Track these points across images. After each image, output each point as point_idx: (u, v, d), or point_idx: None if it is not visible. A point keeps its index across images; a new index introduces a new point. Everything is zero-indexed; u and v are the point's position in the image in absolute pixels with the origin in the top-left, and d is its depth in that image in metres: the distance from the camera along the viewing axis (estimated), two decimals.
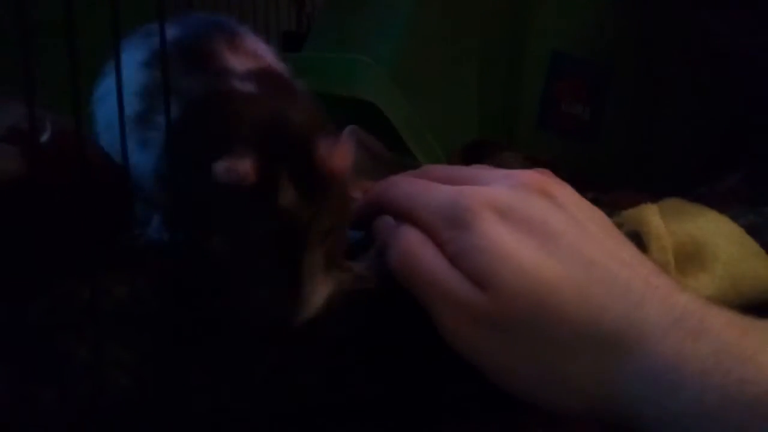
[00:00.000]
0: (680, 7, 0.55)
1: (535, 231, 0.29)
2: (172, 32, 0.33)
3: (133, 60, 0.34)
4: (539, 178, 0.32)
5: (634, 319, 0.27)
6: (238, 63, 0.33)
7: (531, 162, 0.48)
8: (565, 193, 0.31)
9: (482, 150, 0.50)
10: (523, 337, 0.28)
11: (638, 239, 0.40)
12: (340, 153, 0.30)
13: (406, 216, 0.32)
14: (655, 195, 0.45)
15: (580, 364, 0.28)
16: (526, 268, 0.28)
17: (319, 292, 0.30)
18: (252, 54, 0.34)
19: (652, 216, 0.41)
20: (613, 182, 0.51)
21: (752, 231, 0.42)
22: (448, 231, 0.30)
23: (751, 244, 0.42)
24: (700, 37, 0.55)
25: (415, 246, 0.30)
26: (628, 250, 0.30)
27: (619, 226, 0.35)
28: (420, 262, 0.30)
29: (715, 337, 0.26)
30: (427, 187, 0.32)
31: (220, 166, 0.27)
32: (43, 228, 0.27)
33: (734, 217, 0.43)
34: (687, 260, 0.41)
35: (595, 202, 0.34)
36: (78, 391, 0.29)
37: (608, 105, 0.56)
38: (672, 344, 0.26)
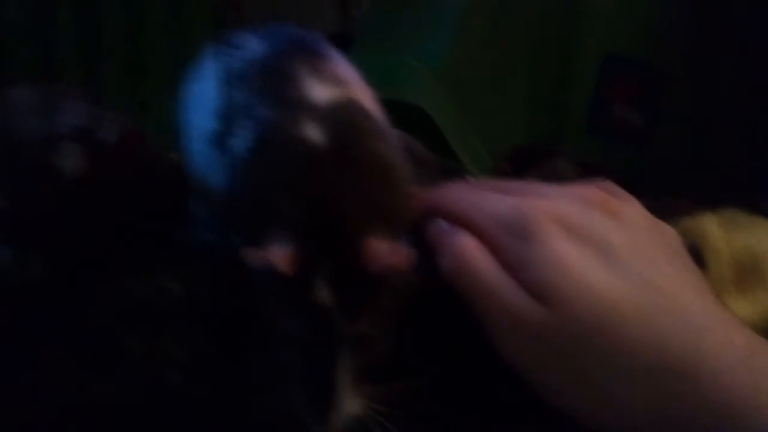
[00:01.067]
0: (738, 7, 0.53)
1: (600, 250, 0.28)
2: (256, 48, 0.32)
3: (214, 75, 0.33)
4: (604, 195, 0.31)
5: (700, 351, 0.27)
6: (318, 92, 0.30)
7: (582, 168, 0.46)
8: (632, 211, 0.31)
9: (531, 155, 0.49)
10: (578, 355, 0.28)
11: (695, 251, 0.39)
12: (392, 258, 0.27)
13: (462, 222, 0.31)
14: (710, 203, 0.43)
15: (636, 388, 0.27)
16: (589, 285, 0.28)
17: (343, 410, 0.27)
18: (336, 80, 0.32)
19: (711, 227, 0.39)
20: (664, 188, 0.50)
21: None
22: (508, 240, 0.29)
23: None
24: (759, 37, 0.52)
25: (470, 251, 0.30)
26: (693, 277, 0.30)
27: None
28: (476, 267, 0.29)
29: None
30: (486, 196, 0.32)
31: (254, 253, 0.26)
32: (106, 224, 0.28)
33: None
34: (745, 274, 0.40)
35: (648, 209, 0.33)
36: (132, 385, 0.30)
37: (662, 109, 0.55)
38: (740, 378, 0.27)
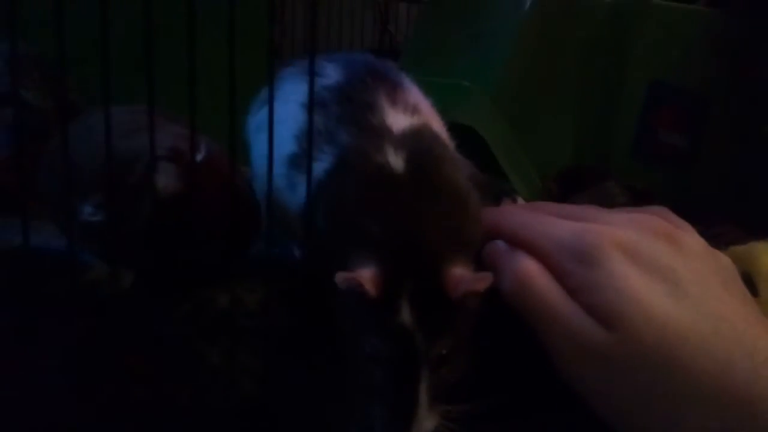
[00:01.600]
0: None
1: (664, 277, 0.29)
2: (333, 75, 0.34)
3: (294, 99, 0.34)
4: (665, 223, 0.32)
5: (759, 378, 0.28)
6: (396, 119, 0.32)
7: (630, 191, 0.47)
8: (691, 240, 0.32)
9: (579, 176, 0.50)
10: (642, 381, 0.28)
11: (747, 278, 0.40)
12: (473, 285, 0.28)
13: (523, 244, 0.32)
14: (755, 229, 0.44)
15: (698, 414, 0.28)
16: (656, 313, 0.28)
17: (422, 427, 0.27)
18: (411, 108, 0.33)
19: (762, 255, 0.40)
20: (708, 213, 0.50)
21: None
22: (573, 265, 0.30)
23: None
24: None
25: (533, 272, 0.31)
26: (751, 306, 0.31)
27: None
28: (538, 289, 0.30)
29: None
30: (547, 219, 0.32)
31: (341, 276, 0.26)
32: (193, 240, 0.29)
33: None
34: None
35: (702, 236, 0.34)
36: (210, 393, 0.31)
37: (707, 134, 0.55)
38: None
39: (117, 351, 0.29)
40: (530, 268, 0.31)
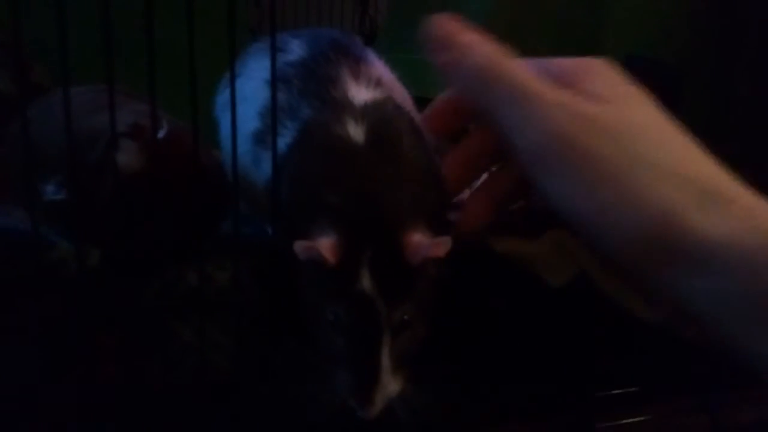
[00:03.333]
0: (757, 7, 0.54)
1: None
2: (297, 50, 0.34)
3: (259, 76, 0.34)
4: None
5: (729, 181, 0.29)
6: (358, 93, 0.32)
7: None
8: None
9: None
10: (626, 147, 0.28)
11: None
12: (432, 251, 0.28)
13: None
14: None
15: (654, 180, 0.28)
16: (644, 98, 0.30)
17: (385, 391, 0.28)
18: (375, 82, 0.33)
19: None
20: None
21: None
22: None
23: None
24: None
25: (496, 53, 0.30)
26: None
27: None
28: (510, 68, 0.30)
29: None
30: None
31: (300, 246, 0.27)
32: (158, 217, 0.29)
33: None
34: None
35: None
36: (181, 370, 0.31)
37: (682, 107, 0.56)
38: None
39: (87, 329, 0.29)
40: (491, 49, 0.30)
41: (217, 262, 0.32)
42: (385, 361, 0.28)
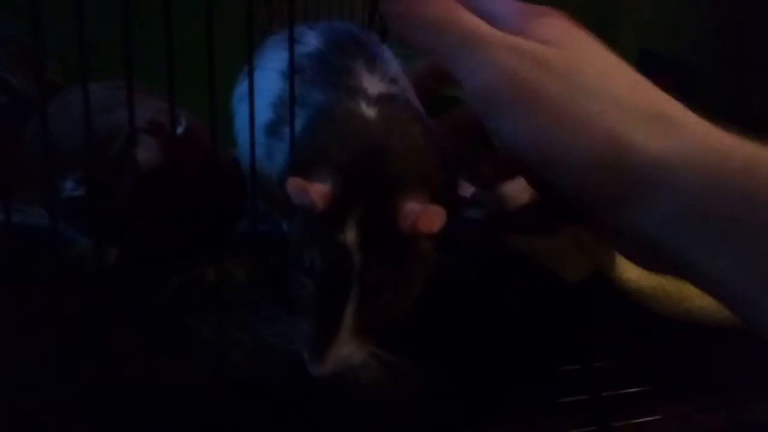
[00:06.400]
0: None
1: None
2: (313, 42, 0.34)
3: (274, 67, 0.34)
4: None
5: (680, 108, 0.29)
6: (371, 84, 0.32)
7: None
8: None
9: None
10: (574, 82, 0.29)
11: None
12: (425, 221, 0.27)
13: None
14: None
15: (594, 106, 0.28)
16: (593, 41, 0.31)
17: (341, 351, 0.27)
18: (386, 76, 0.33)
19: None
20: None
21: None
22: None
23: None
24: None
25: (447, 2, 0.31)
26: None
27: None
28: (456, 12, 0.30)
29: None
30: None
31: (292, 183, 0.26)
32: (176, 213, 0.29)
33: None
34: None
35: None
36: (200, 367, 0.31)
37: (696, 104, 0.55)
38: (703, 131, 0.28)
39: (105, 327, 0.29)
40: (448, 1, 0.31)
41: (235, 259, 0.32)
42: (348, 319, 0.27)
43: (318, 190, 0.27)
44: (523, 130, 0.29)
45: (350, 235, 0.27)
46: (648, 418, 0.39)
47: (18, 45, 0.42)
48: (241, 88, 0.38)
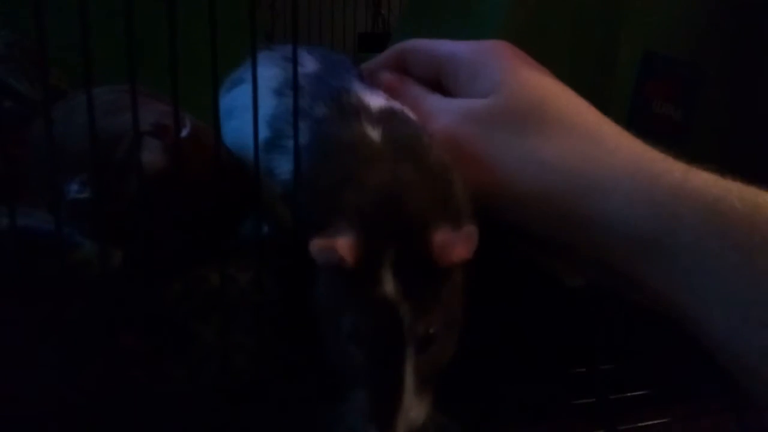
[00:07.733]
0: None
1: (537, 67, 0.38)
2: (310, 65, 0.34)
3: (265, 85, 0.33)
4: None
5: (607, 123, 0.35)
6: (372, 100, 0.32)
7: None
8: None
9: None
10: (517, 126, 0.34)
11: None
12: (459, 247, 0.25)
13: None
14: None
15: (558, 145, 0.33)
16: (531, 80, 0.36)
17: (409, 416, 0.24)
18: (384, 94, 0.34)
19: None
20: None
21: None
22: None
23: None
24: None
25: (399, 79, 0.38)
26: None
27: None
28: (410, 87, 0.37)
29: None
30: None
31: (316, 245, 0.24)
32: (181, 216, 0.29)
33: None
34: None
35: None
36: (205, 371, 0.31)
37: (701, 105, 0.55)
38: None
39: (109, 330, 0.29)
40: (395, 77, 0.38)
41: (240, 262, 0.32)
42: (409, 380, 0.24)
43: (344, 245, 0.24)
44: (472, 183, 0.32)
45: (389, 287, 0.24)
46: (654, 421, 0.39)
47: (24, 51, 0.42)
48: (223, 102, 0.36)
